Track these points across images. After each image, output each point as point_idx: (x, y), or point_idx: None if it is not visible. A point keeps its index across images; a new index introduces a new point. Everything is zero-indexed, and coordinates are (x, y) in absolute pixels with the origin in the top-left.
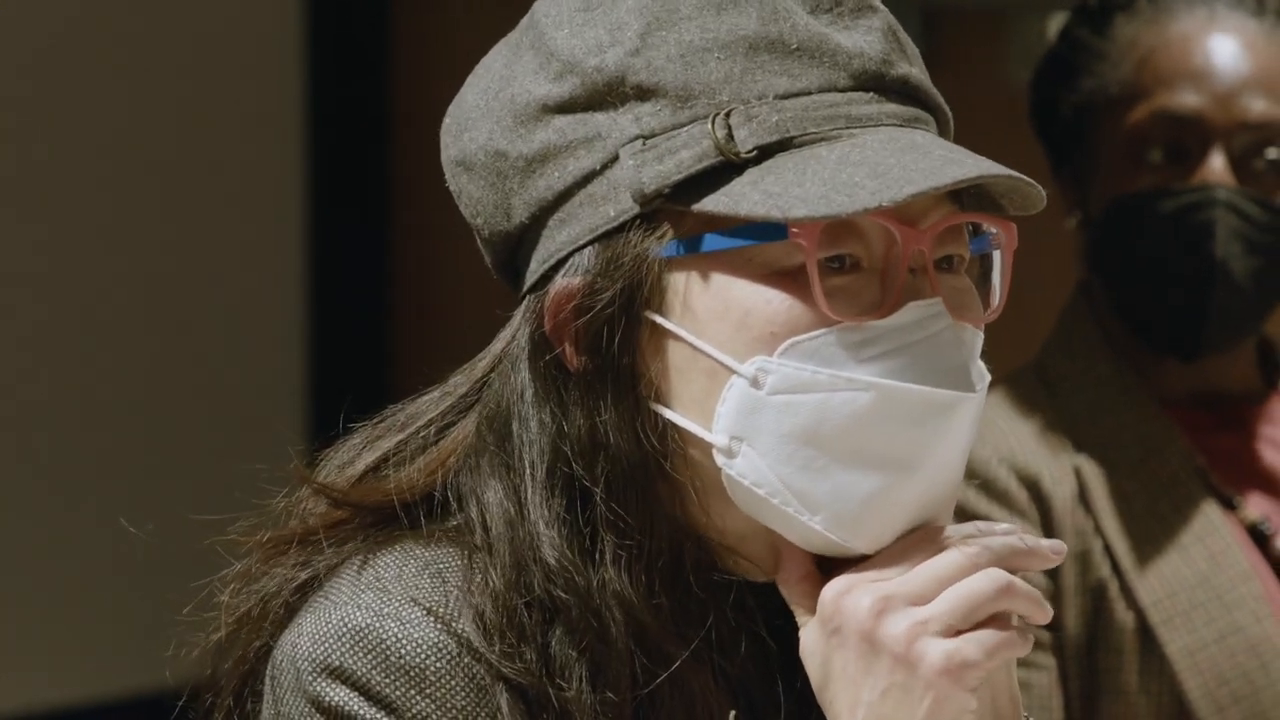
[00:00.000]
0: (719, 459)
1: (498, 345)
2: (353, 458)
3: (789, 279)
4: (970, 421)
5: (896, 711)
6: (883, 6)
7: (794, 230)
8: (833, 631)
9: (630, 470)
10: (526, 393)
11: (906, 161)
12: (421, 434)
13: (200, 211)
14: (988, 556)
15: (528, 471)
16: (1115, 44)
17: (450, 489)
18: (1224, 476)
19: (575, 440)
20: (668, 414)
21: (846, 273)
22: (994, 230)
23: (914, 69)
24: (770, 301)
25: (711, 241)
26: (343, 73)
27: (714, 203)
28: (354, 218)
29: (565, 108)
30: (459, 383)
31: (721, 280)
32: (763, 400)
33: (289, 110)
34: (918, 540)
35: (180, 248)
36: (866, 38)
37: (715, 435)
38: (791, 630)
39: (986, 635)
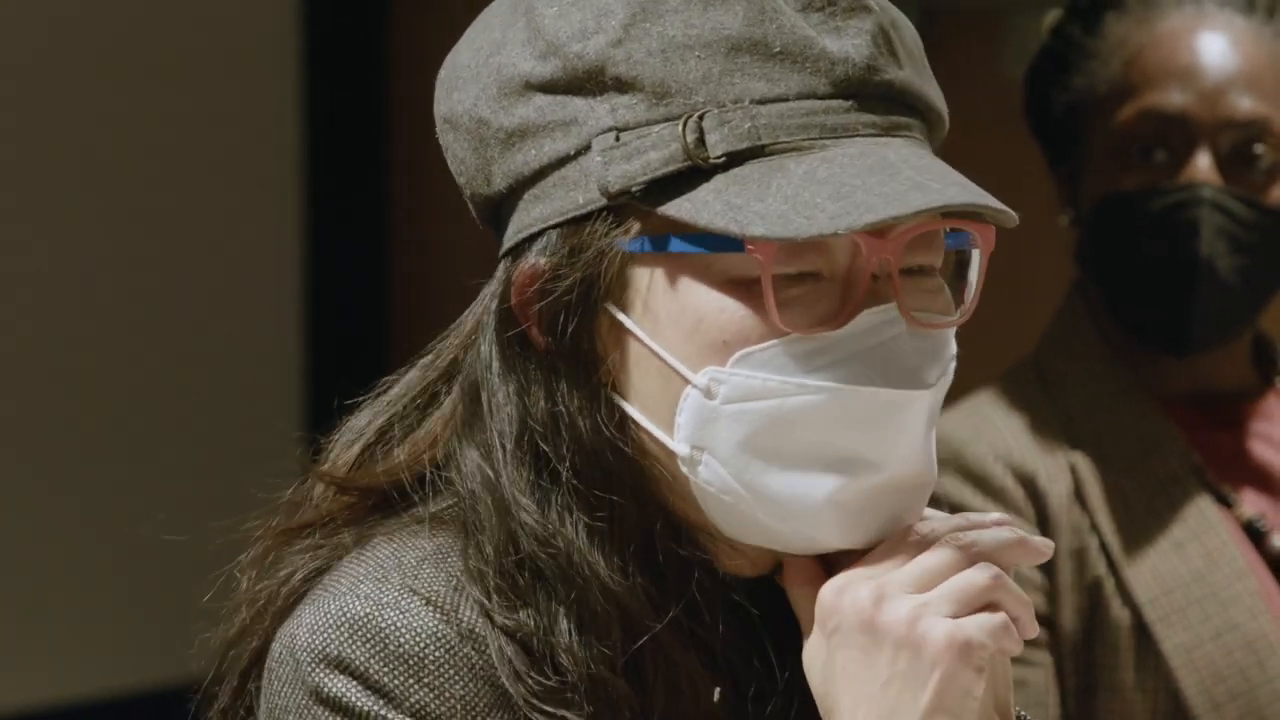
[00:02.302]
0: (683, 468)
1: (479, 305)
2: (355, 438)
3: (745, 289)
4: (926, 416)
5: (899, 700)
6: (879, 6)
7: (750, 247)
8: (833, 630)
9: (594, 454)
10: (493, 364)
11: (871, 184)
12: (416, 404)
13: (196, 203)
14: (978, 550)
15: (498, 441)
16: (1105, 42)
17: (443, 464)
18: (1220, 474)
19: (538, 419)
20: (626, 407)
21: (805, 282)
22: (971, 232)
23: (903, 72)
24: (724, 310)
25: (673, 244)
26: (340, 60)
27: (677, 208)
28: (351, 207)
29: (547, 87)
30: (445, 348)
31: (681, 282)
32: (717, 410)
33: (286, 101)
34: (906, 535)
35: (177, 242)
36: (854, 41)
37: (677, 445)
38: (779, 605)
39: (986, 618)
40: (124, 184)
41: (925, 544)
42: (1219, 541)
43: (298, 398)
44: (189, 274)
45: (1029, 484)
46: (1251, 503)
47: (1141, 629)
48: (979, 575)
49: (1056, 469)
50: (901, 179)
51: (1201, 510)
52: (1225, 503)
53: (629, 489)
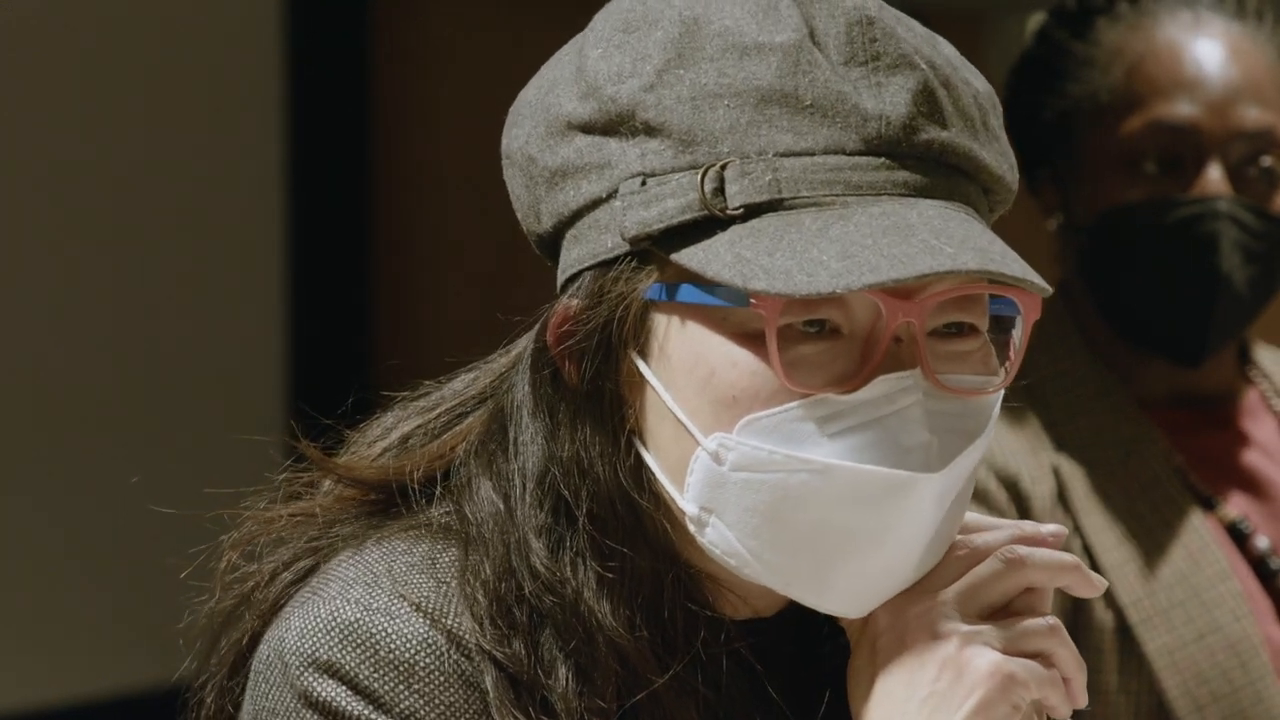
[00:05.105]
0: (691, 528)
1: (522, 342)
2: (379, 438)
3: (758, 343)
4: (934, 499)
5: (932, 718)
6: (930, 64)
7: (753, 300)
8: (884, 645)
9: (611, 501)
10: (525, 404)
11: (883, 245)
12: (443, 419)
13: (181, 204)
14: (1030, 567)
15: (518, 478)
16: (1100, 49)
17: (454, 477)
18: (1203, 476)
19: (562, 462)
20: (645, 455)
21: (824, 338)
22: (1013, 299)
23: (947, 133)
24: (736, 364)
25: (687, 293)
26: (322, 56)
27: (690, 256)
28: (333, 203)
29: (586, 128)
30: (486, 371)
31: (696, 332)
32: (725, 476)
33: (269, 96)
34: (957, 548)
35: (161, 240)
36: (894, 99)
37: (686, 504)
38: (789, 661)
39: (1033, 664)
40: (111, 179)
41: (977, 558)
42: (1201, 544)
43: (282, 399)
44: (170, 271)
45: (1012, 487)
46: (1234, 504)
47: (1125, 631)
48: (1039, 622)
49: (1039, 471)
50: (915, 241)
51: (1184, 512)
52: (1208, 505)
53: (642, 539)
